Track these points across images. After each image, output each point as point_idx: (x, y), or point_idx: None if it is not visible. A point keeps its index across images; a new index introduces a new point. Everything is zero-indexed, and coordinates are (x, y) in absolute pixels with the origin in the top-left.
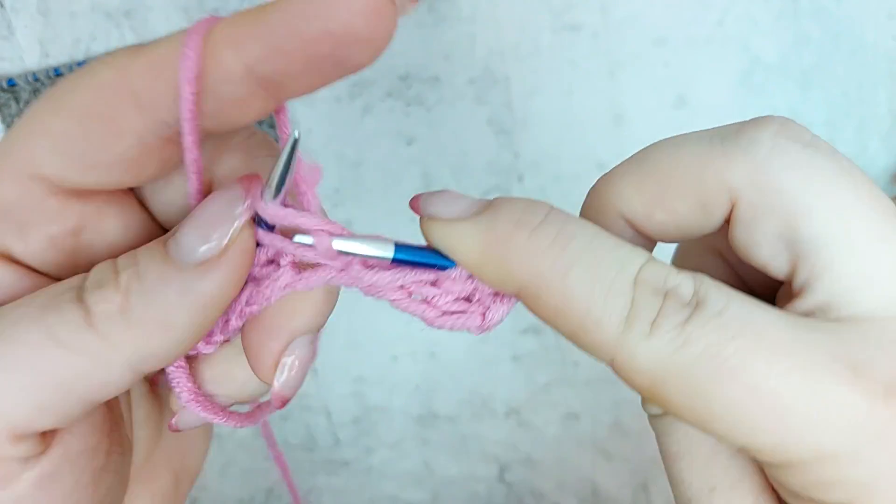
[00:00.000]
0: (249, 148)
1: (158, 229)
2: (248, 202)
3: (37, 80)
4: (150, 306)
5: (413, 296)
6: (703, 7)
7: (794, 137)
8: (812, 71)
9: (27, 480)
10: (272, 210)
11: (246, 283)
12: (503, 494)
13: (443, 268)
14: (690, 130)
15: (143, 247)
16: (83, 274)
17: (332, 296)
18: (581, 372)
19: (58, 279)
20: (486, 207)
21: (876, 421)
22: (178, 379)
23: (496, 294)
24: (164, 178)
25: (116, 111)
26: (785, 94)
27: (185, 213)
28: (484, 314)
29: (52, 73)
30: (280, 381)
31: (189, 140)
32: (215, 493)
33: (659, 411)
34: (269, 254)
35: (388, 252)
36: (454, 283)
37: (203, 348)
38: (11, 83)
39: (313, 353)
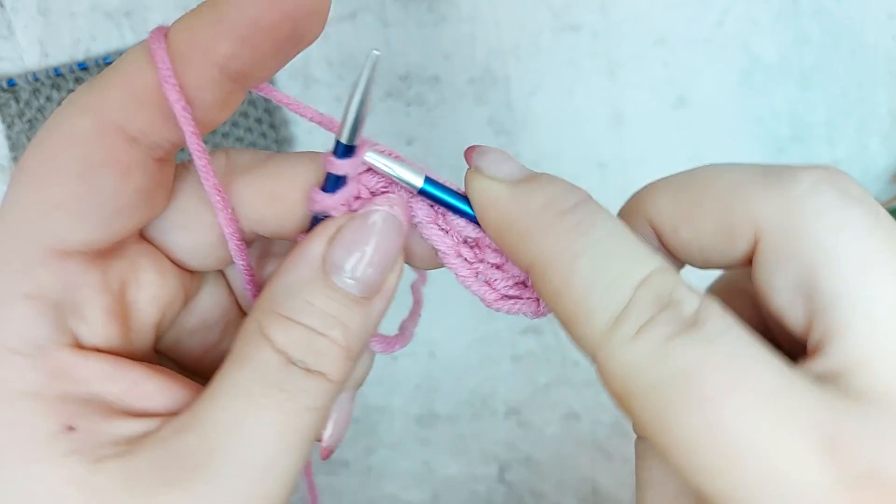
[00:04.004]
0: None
1: (179, 269)
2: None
3: (37, 79)
4: (362, 342)
5: (478, 276)
6: (703, 7)
7: (837, 185)
8: (812, 71)
9: None
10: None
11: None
12: (503, 494)
13: (467, 215)
14: (690, 130)
15: (314, 295)
16: (235, 351)
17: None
18: (581, 372)
19: (124, 352)
20: (529, 179)
21: None
22: None
23: None
24: (168, 207)
25: (114, 152)
26: (785, 94)
27: (197, 242)
28: (538, 300)
29: (52, 73)
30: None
31: (197, 151)
32: None
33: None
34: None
35: (419, 181)
36: (509, 268)
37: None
38: (11, 83)
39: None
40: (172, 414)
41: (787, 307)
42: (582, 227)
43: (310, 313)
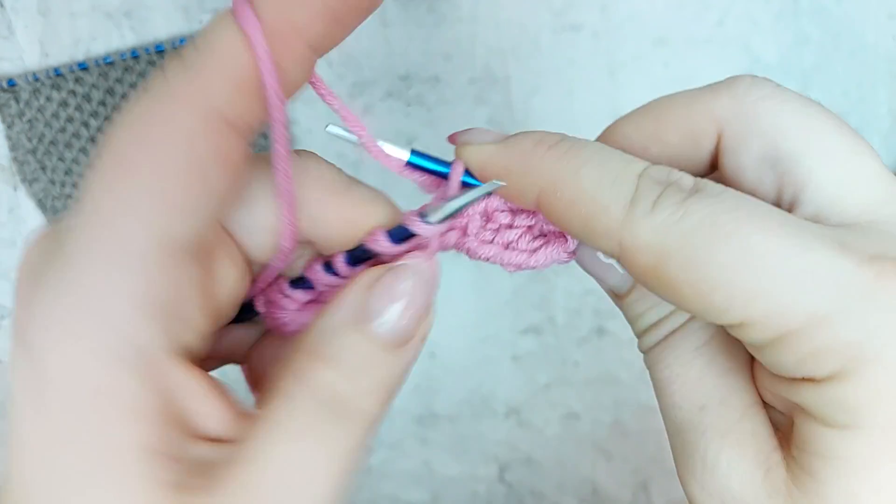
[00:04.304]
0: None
1: (244, 258)
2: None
3: (37, 79)
4: (391, 387)
5: (507, 248)
6: (703, 7)
7: (767, 81)
8: (812, 71)
9: None
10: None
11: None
12: (503, 494)
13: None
14: None
15: (349, 340)
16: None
17: None
18: (581, 372)
19: (199, 359)
20: (510, 136)
21: (863, 279)
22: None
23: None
24: (248, 196)
25: (220, 143)
26: None
27: (264, 234)
28: (565, 237)
29: (52, 73)
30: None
31: (282, 147)
32: None
33: (654, 341)
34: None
35: (405, 155)
36: (523, 216)
37: None
38: (11, 83)
39: None
40: (225, 440)
41: (758, 182)
42: (574, 149)
43: (343, 357)
